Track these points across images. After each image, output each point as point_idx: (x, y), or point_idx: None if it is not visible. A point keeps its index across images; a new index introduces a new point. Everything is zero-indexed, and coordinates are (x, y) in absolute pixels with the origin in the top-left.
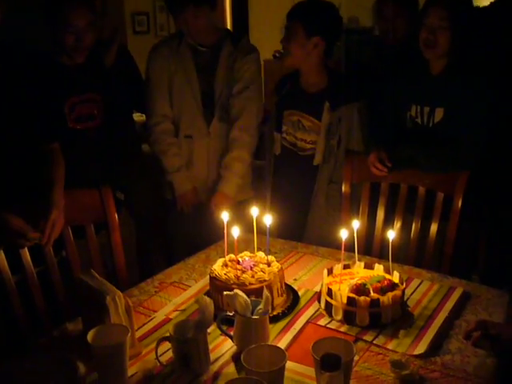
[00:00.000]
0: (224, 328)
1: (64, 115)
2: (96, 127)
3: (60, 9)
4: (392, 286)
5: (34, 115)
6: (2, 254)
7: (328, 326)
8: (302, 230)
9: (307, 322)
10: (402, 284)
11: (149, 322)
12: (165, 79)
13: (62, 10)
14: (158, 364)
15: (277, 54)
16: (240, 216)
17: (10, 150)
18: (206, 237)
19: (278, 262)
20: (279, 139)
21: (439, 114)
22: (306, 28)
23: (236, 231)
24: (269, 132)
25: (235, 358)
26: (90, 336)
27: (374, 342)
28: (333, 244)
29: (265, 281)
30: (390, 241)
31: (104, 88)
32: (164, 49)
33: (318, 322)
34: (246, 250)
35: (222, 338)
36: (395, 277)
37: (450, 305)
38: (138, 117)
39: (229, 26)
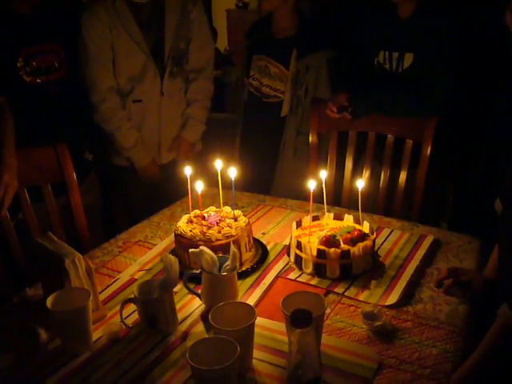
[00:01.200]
0: (191, 286)
1: (16, 68)
2: (58, 80)
3: None
4: (362, 237)
5: None
6: None
7: (298, 279)
8: (269, 182)
9: (277, 277)
10: (373, 234)
11: (113, 283)
12: (106, 48)
13: None
14: (124, 327)
15: (240, 4)
16: (200, 171)
17: None
18: (168, 195)
19: (245, 216)
20: (248, 84)
21: (408, 58)
22: None
23: (200, 185)
24: (239, 79)
25: (204, 317)
26: (49, 301)
27: (346, 293)
28: (301, 196)
29: (232, 236)
30: (360, 190)
31: (64, 37)
32: (99, 9)
33: (288, 276)
34: (212, 205)
35: (190, 296)
36: (365, 227)
37: (420, 253)
38: None
39: None
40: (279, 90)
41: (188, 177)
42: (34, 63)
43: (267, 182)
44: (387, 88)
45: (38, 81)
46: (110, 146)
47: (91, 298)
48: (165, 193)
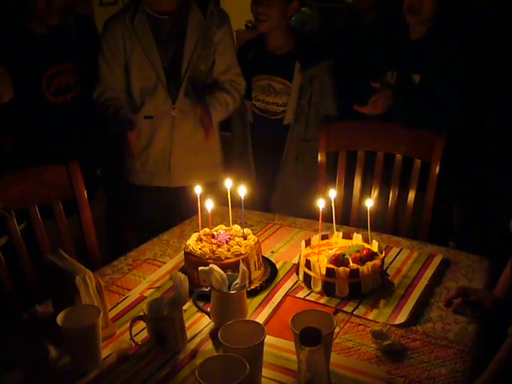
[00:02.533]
0: (200, 304)
1: (41, 89)
2: (73, 99)
3: None
4: (371, 256)
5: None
6: None
7: (307, 298)
8: (272, 190)
9: (286, 295)
10: (381, 253)
11: (123, 301)
12: (120, 59)
13: None
14: (133, 344)
15: (249, 24)
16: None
17: None
18: (179, 213)
19: (254, 234)
20: (250, 107)
21: (415, 79)
22: None
23: (210, 204)
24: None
25: (213, 335)
26: (59, 318)
27: (355, 312)
28: (303, 204)
29: (241, 254)
30: (368, 209)
31: (79, 56)
32: (116, 25)
33: (297, 295)
34: (222, 224)
35: (199, 314)
36: (374, 246)
37: (429, 272)
38: None
39: None
40: (285, 103)
41: (198, 195)
42: (55, 84)
43: (270, 188)
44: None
45: (56, 101)
46: (124, 163)
47: (101, 315)
48: (176, 213)
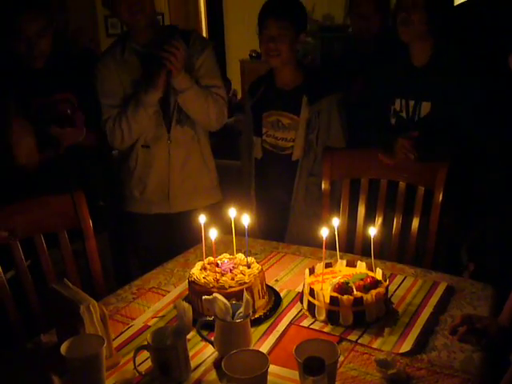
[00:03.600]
0: (204, 333)
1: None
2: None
3: (7, 13)
4: (375, 284)
5: None
6: None
7: (311, 326)
8: (284, 227)
9: (290, 324)
10: (386, 281)
11: (127, 330)
12: (117, 91)
13: (10, 15)
14: (137, 374)
15: (253, 54)
16: (213, 220)
17: None
18: (177, 245)
19: (258, 263)
20: (259, 143)
21: (426, 107)
22: (295, 26)
23: (214, 233)
24: (246, 135)
25: (217, 365)
26: (63, 348)
27: (359, 341)
28: (315, 239)
29: (245, 283)
30: (372, 238)
31: (79, 89)
32: (108, 58)
33: (301, 323)
34: (225, 253)
35: (203, 343)
36: (378, 274)
37: (434, 300)
38: None
39: (204, 27)
40: (293, 139)
41: (202, 224)
42: (51, 112)
43: (283, 227)
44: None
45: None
46: (123, 192)
47: (105, 344)
48: (178, 241)
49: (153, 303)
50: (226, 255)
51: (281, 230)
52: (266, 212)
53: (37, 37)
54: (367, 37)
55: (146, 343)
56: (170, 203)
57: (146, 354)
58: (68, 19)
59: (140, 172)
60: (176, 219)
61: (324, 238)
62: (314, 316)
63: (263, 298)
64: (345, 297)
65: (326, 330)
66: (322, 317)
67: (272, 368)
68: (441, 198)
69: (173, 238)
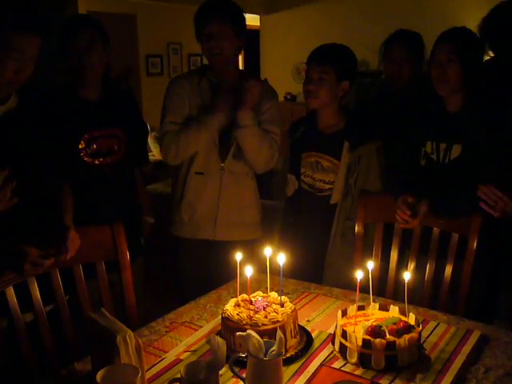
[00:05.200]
0: (236, 370)
1: (77, 149)
2: (114, 162)
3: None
4: (408, 328)
5: (48, 152)
6: (12, 291)
7: (342, 368)
8: (320, 270)
9: (321, 365)
10: (418, 326)
11: (159, 362)
12: (184, 110)
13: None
14: None
15: (288, 96)
16: (249, 256)
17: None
18: (217, 277)
19: (291, 302)
20: (293, 181)
21: (456, 150)
22: (337, 73)
23: (249, 270)
24: (282, 173)
25: None
26: (99, 376)
27: None
28: (349, 282)
29: (278, 321)
30: (406, 282)
31: (125, 123)
32: (184, 81)
33: (333, 365)
34: (259, 290)
35: (234, 380)
36: (411, 319)
37: (467, 348)
38: (150, 156)
39: (241, 68)
40: (331, 181)
41: (238, 261)
42: (95, 146)
43: (319, 270)
44: (434, 179)
45: (97, 162)
46: (172, 217)
47: (139, 375)
48: (215, 272)
49: (185, 337)
50: (260, 293)
51: (315, 271)
52: (298, 252)
53: (87, 49)
54: (399, 82)
55: (178, 376)
56: (215, 230)
57: None
58: (111, 57)
59: (191, 197)
60: (217, 247)
61: (358, 281)
62: (345, 358)
63: (295, 337)
64: (377, 340)
65: (357, 372)
66: (354, 359)
67: None
68: (475, 246)
69: (211, 264)
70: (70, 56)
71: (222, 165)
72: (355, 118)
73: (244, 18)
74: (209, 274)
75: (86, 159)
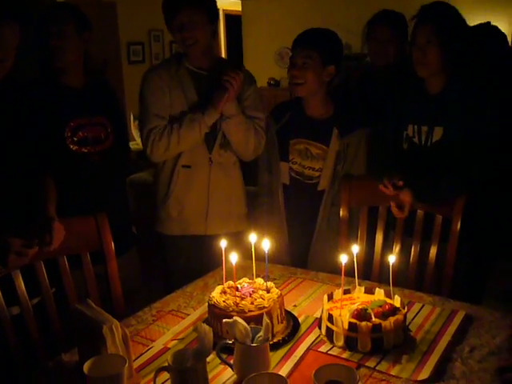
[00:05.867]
0: (224, 356)
1: (63, 137)
2: (102, 151)
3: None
4: (393, 311)
5: (32, 140)
6: None
7: (329, 352)
8: (306, 254)
9: (308, 349)
10: (404, 308)
11: (146, 351)
12: (164, 100)
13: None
14: None
15: (271, 82)
16: (237, 247)
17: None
18: (204, 267)
19: (277, 288)
20: (287, 169)
21: (438, 132)
22: (322, 57)
23: (235, 257)
24: (266, 160)
25: None
26: (86, 367)
27: (377, 368)
28: (335, 266)
29: (264, 307)
30: (391, 265)
31: (111, 111)
32: (162, 72)
33: (319, 349)
34: (245, 277)
35: (222, 366)
36: (396, 301)
37: (452, 328)
38: (133, 145)
39: (223, 54)
40: (320, 169)
41: (223, 248)
42: (81, 133)
43: (305, 254)
44: (416, 162)
45: (84, 150)
46: (158, 214)
47: (127, 365)
48: (206, 267)
49: (172, 326)
50: (246, 279)
51: (303, 256)
52: (291, 237)
53: (58, 32)
54: (383, 62)
55: (166, 364)
56: (206, 225)
57: (166, 375)
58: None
59: (179, 192)
60: (207, 241)
61: (343, 265)
62: (332, 342)
63: (282, 322)
64: (363, 323)
65: (343, 356)
66: (340, 343)
67: None
68: (458, 227)
69: (202, 259)
70: (43, 41)
71: (210, 156)
72: (345, 104)
73: (215, 2)
74: (199, 268)
75: (72, 147)
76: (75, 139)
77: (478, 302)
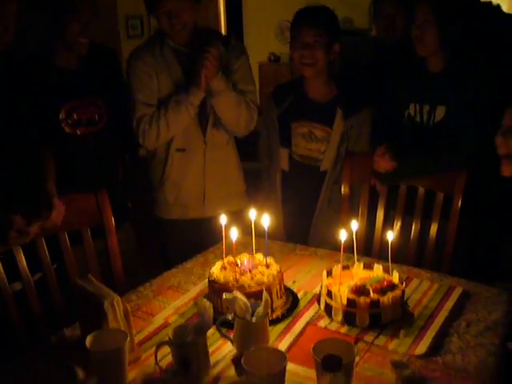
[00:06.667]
0: (224, 331)
1: (57, 119)
2: (96, 132)
3: None
4: (392, 287)
5: (27, 121)
6: None
7: (328, 327)
8: (307, 232)
9: (307, 324)
10: (402, 284)
11: (147, 326)
12: (151, 86)
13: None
14: (158, 369)
15: (272, 57)
16: (237, 224)
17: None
18: (204, 248)
19: (276, 264)
20: (287, 154)
21: (440, 112)
22: (329, 36)
23: (234, 233)
24: (267, 143)
25: (235, 361)
26: (88, 341)
27: (375, 342)
28: (335, 244)
29: (264, 283)
30: (390, 242)
31: (105, 91)
32: (146, 55)
33: (318, 324)
34: (245, 253)
35: (222, 341)
36: (395, 277)
37: (449, 304)
38: None
39: (223, 30)
40: (325, 151)
41: (223, 225)
42: (76, 116)
43: (306, 233)
44: (418, 141)
45: (78, 132)
46: (155, 197)
47: (128, 339)
48: (202, 243)
49: (173, 301)
50: (246, 255)
51: (304, 235)
52: (291, 217)
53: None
54: (394, 37)
55: (167, 339)
56: (204, 207)
57: (166, 349)
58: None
59: (175, 176)
60: (206, 222)
61: (342, 241)
62: (330, 317)
63: (281, 298)
64: (362, 299)
65: (342, 330)
66: (339, 318)
67: (289, 366)
68: (459, 204)
69: (201, 240)
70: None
71: (204, 138)
72: (349, 84)
73: None
74: (200, 249)
75: (67, 130)
76: (69, 121)
77: (490, 282)
